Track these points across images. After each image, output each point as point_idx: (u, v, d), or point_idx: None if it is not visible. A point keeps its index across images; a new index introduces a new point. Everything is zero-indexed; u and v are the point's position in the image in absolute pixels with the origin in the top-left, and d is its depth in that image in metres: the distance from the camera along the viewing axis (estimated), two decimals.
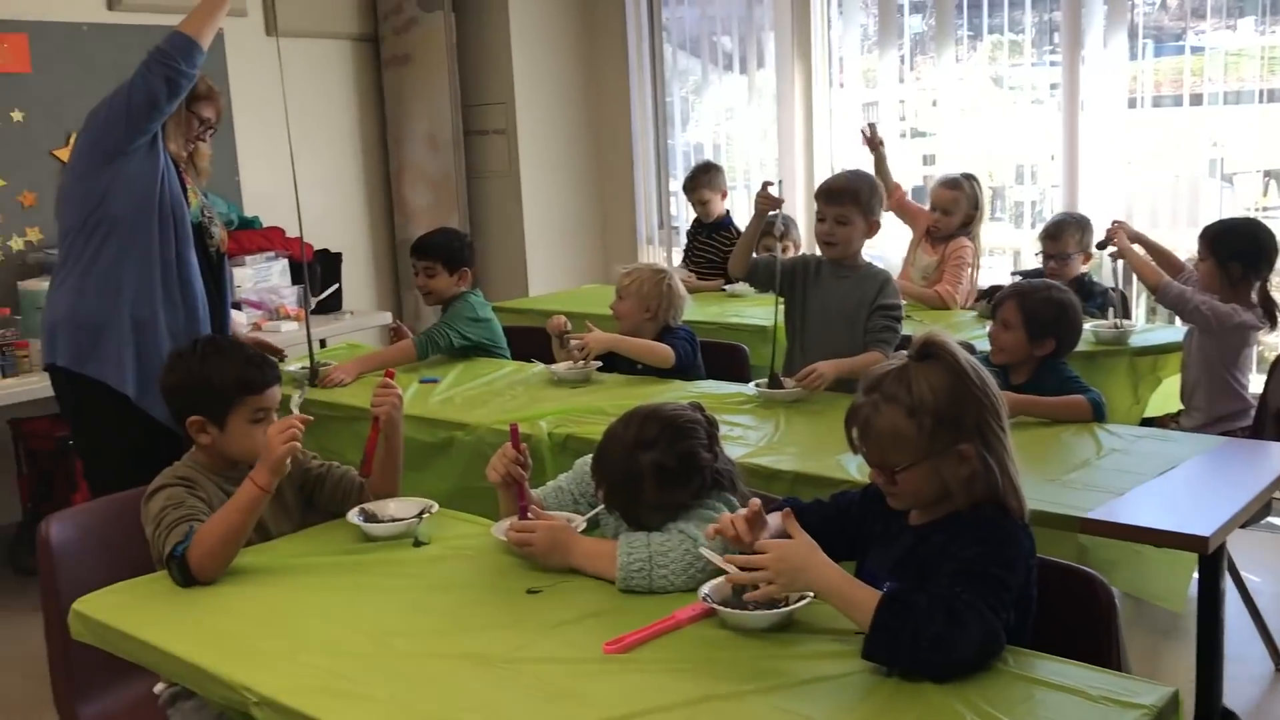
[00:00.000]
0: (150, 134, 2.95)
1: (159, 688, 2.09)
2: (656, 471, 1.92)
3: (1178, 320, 3.61)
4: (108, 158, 2.91)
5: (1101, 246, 3.73)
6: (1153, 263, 3.56)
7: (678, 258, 5.41)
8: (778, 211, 3.23)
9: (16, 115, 4.47)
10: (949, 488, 1.69)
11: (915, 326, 3.81)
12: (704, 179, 5.11)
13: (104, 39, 4.61)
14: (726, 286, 4.84)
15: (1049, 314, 2.83)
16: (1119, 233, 3.59)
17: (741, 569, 1.69)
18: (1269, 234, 3.38)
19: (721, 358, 3.68)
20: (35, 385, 3.77)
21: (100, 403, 2.97)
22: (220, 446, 2.18)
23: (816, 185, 3.36)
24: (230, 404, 2.15)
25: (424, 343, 3.70)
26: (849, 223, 3.15)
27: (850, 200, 3.14)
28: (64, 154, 4.56)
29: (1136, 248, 3.65)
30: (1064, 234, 3.96)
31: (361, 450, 2.30)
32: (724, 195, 5.18)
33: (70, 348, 2.96)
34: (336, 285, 5.03)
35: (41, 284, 4.11)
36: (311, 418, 2.17)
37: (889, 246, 5.02)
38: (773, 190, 3.19)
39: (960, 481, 1.68)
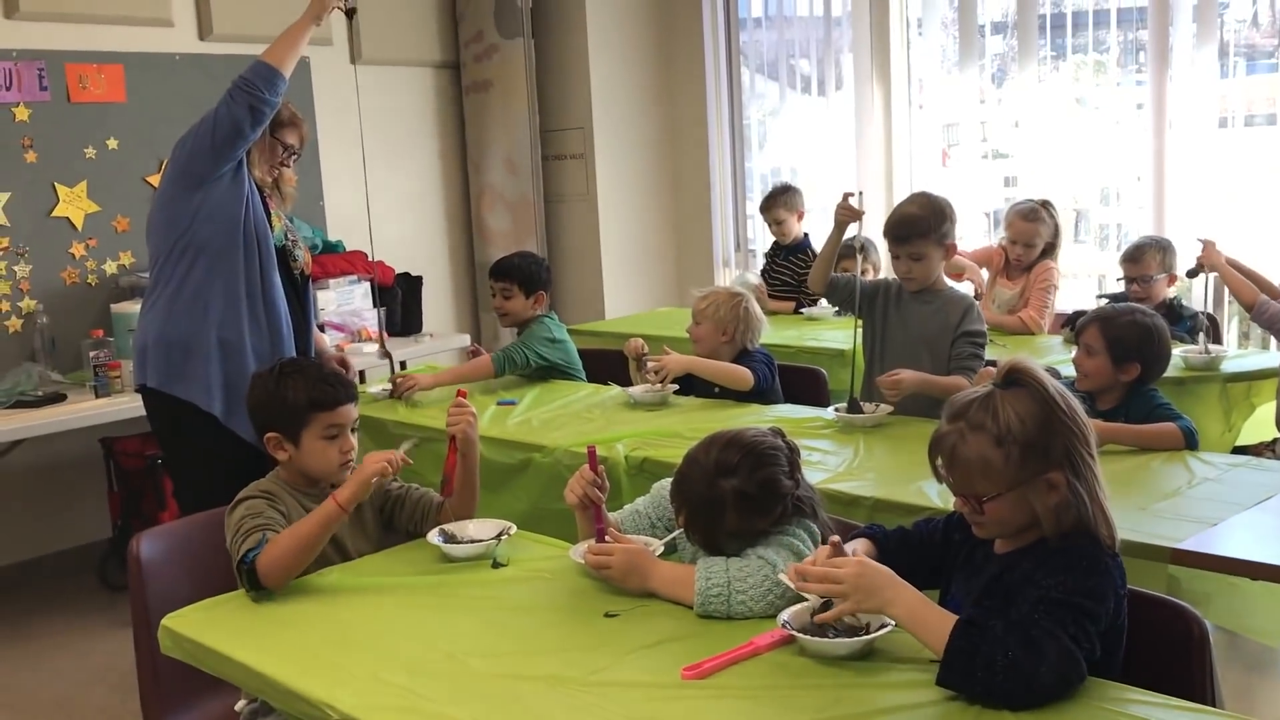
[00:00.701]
0: (235, 161, 3.03)
1: (240, 704, 2.13)
2: (738, 498, 1.91)
3: (1273, 345, 3.51)
4: (195, 184, 3.00)
5: (1192, 275, 3.63)
6: (1247, 282, 3.45)
7: (755, 281, 5.39)
8: (859, 225, 3.20)
9: (111, 143, 4.61)
10: (1037, 516, 1.65)
11: (999, 352, 3.75)
12: (781, 199, 5.10)
13: (195, 68, 4.75)
14: (802, 310, 4.81)
15: (1133, 338, 2.76)
16: (1210, 249, 3.49)
17: (820, 581, 1.67)
18: None
19: (799, 381, 3.65)
20: (126, 405, 3.87)
21: (189, 422, 3.04)
22: (297, 462, 2.24)
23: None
24: (303, 421, 2.21)
25: (501, 360, 3.74)
26: (923, 257, 3.11)
27: (919, 236, 3.10)
28: (154, 180, 4.69)
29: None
30: (1144, 256, 3.86)
31: (440, 472, 2.33)
32: (800, 217, 5.16)
33: (159, 369, 3.04)
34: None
35: (133, 307, 4.23)
36: (411, 461, 2.22)
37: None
38: (854, 201, 3.16)
39: (1049, 510, 1.64)
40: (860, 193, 3.19)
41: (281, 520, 2.13)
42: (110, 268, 4.65)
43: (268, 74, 2.96)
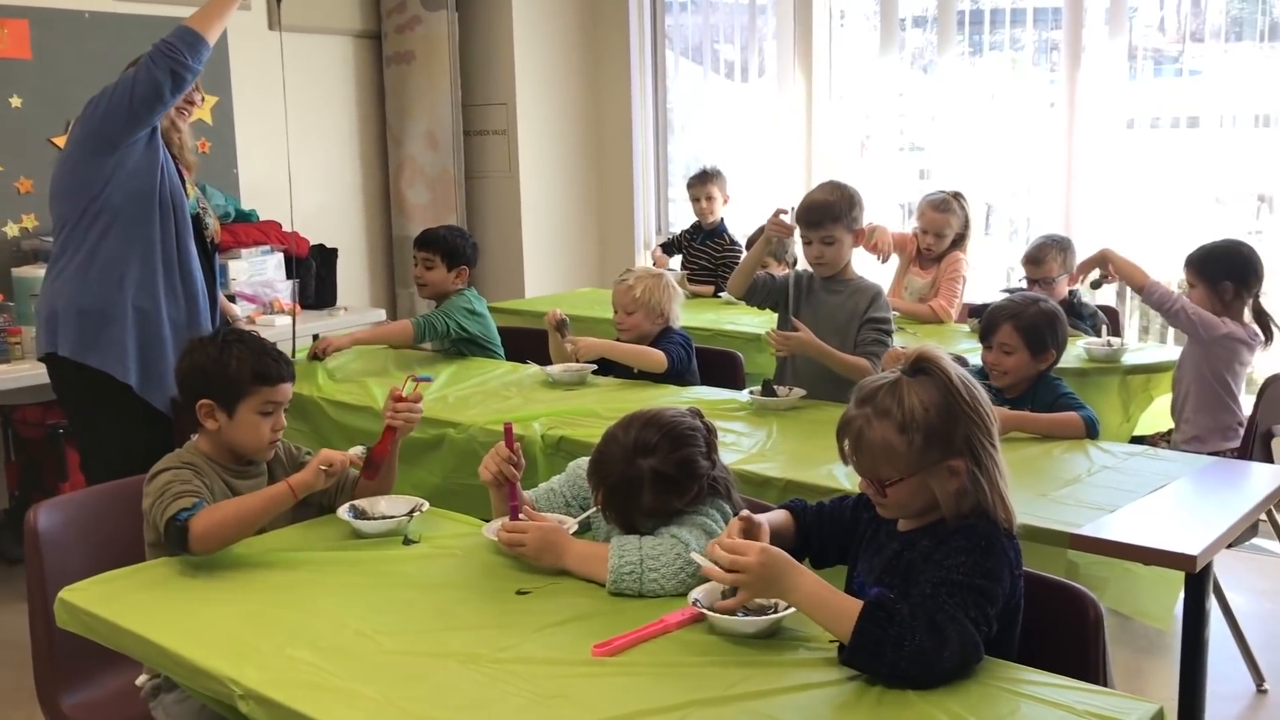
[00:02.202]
0: (151, 126, 2.95)
1: (142, 679, 2.09)
2: (655, 478, 1.92)
3: (1170, 338, 3.63)
4: (108, 149, 2.91)
5: (1095, 286, 3.75)
6: (1138, 265, 3.53)
7: (676, 264, 5.42)
8: (789, 241, 3.26)
9: (15, 101, 4.45)
10: (937, 500, 1.70)
11: (908, 339, 3.83)
12: (715, 179, 5.17)
13: (105, 27, 4.60)
14: (721, 294, 4.85)
15: (1046, 326, 2.84)
16: (1106, 255, 3.57)
17: (726, 569, 1.68)
18: (1251, 250, 3.41)
19: (716, 364, 3.69)
20: (26, 373, 3.75)
21: (101, 392, 2.98)
22: (226, 434, 2.20)
23: None
24: (243, 392, 2.18)
25: (422, 325, 3.72)
26: (835, 242, 3.17)
27: (831, 220, 3.16)
28: (61, 141, 4.54)
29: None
30: (1046, 257, 3.95)
31: (364, 449, 2.30)
32: (725, 200, 5.21)
33: (71, 337, 2.96)
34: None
35: (35, 271, 4.10)
36: (357, 472, 2.25)
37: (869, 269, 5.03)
38: (785, 218, 3.22)
39: (948, 495, 1.69)
40: (791, 209, 3.25)
41: (207, 493, 2.10)
42: (11, 230, 4.49)
43: (192, 40, 2.90)
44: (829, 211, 3.15)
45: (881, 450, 1.69)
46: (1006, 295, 3.56)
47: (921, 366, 1.71)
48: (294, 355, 3.59)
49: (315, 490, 2.12)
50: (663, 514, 1.94)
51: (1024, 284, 4.06)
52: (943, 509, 1.70)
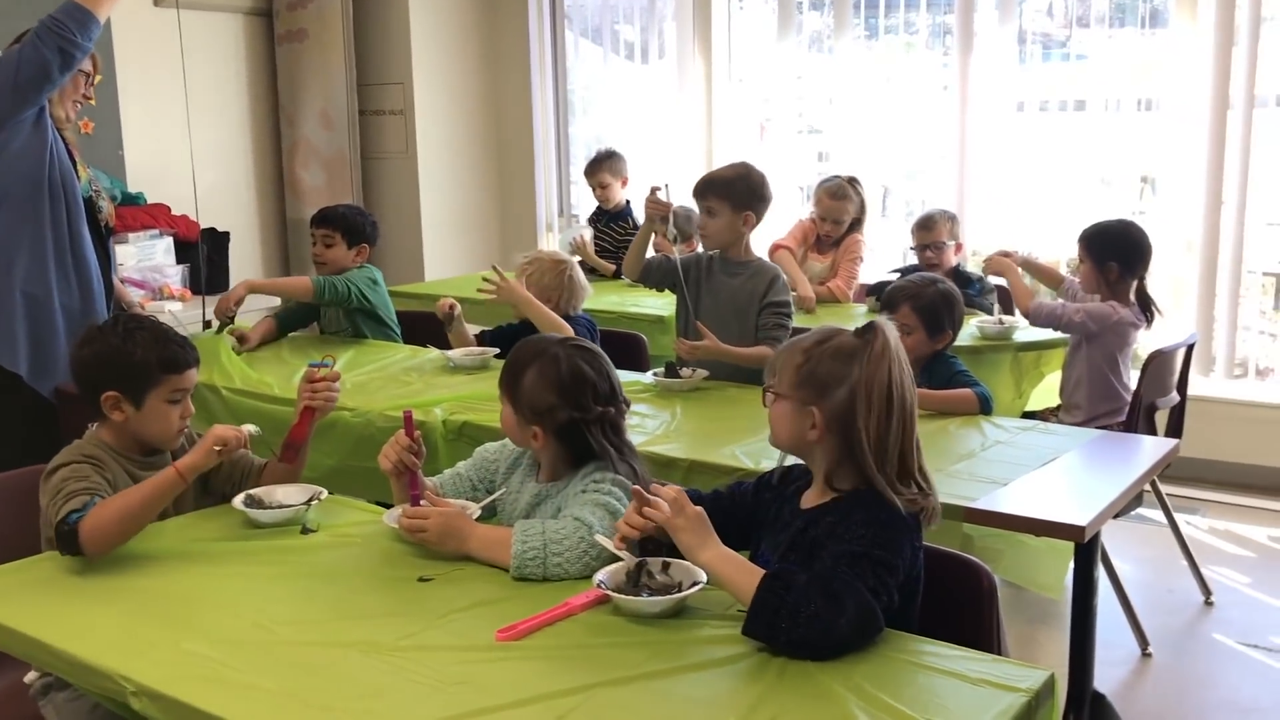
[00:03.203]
0: (38, 105, 2.84)
1: (31, 676, 2.01)
2: (551, 365, 2.01)
3: None
4: None
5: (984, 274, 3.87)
6: (1026, 285, 3.65)
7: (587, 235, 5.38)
8: (670, 217, 3.26)
9: None
10: (801, 444, 1.77)
11: (808, 320, 3.88)
12: (606, 164, 5.12)
13: None
14: (624, 275, 4.84)
15: (943, 308, 2.91)
16: (1002, 264, 3.69)
17: (644, 512, 1.74)
18: (1141, 233, 3.51)
19: (620, 346, 3.68)
20: None
21: None
22: (133, 425, 2.11)
23: None
24: (151, 381, 2.10)
25: (322, 284, 3.66)
26: (716, 214, 3.18)
27: (713, 193, 3.18)
28: None
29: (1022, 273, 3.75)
30: (935, 224, 4.11)
31: (256, 427, 2.23)
32: (624, 183, 5.19)
33: None
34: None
35: None
36: (248, 450, 2.18)
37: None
38: (661, 195, 3.22)
39: (806, 444, 1.75)
40: (666, 185, 3.27)
41: (107, 487, 2.02)
42: None
43: (81, 17, 2.79)
44: (712, 184, 3.19)
45: (783, 360, 1.78)
46: (899, 274, 3.65)
47: (868, 328, 1.75)
48: (220, 330, 3.58)
49: (205, 470, 2.04)
50: (541, 412, 1.99)
51: (913, 255, 4.16)
52: (811, 461, 1.78)
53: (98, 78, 3.14)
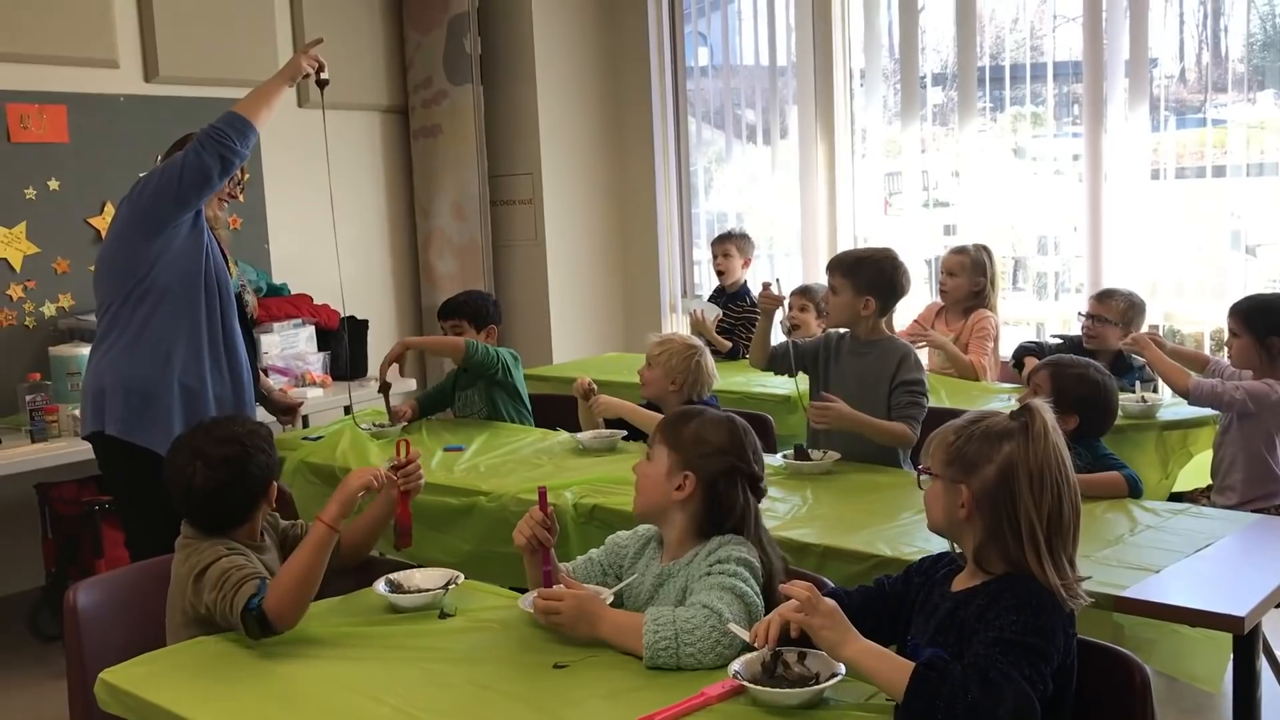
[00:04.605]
0: (197, 209, 3.01)
1: None
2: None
3: None
4: (154, 231, 2.96)
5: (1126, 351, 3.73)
6: (1178, 365, 3.47)
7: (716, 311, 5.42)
8: (783, 309, 3.30)
9: (53, 184, 4.55)
10: (953, 523, 1.75)
11: (937, 401, 3.79)
12: (733, 239, 5.22)
13: (140, 110, 4.71)
14: (751, 365, 4.85)
15: (1078, 391, 2.81)
16: (1143, 340, 3.52)
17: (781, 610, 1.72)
18: None
19: None
20: (63, 450, 3.79)
21: (148, 471, 2.99)
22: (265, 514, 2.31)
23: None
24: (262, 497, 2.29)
25: (475, 346, 3.76)
26: (837, 292, 3.20)
27: (839, 271, 3.21)
28: (98, 222, 4.63)
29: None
30: (1111, 300, 3.93)
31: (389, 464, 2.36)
32: (746, 264, 5.22)
33: (119, 415, 2.98)
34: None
35: (73, 350, 4.15)
36: (387, 480, 2.30)
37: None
38: (773, 289, 3.25)
39: (957, 523, 1.73)
40: (778, 280, 3.34)
41: (263, 569, 2.12)
42: (49, 310, 4.56)
43: (241, 126, 2.96)
44: (841, 262, 3.24)
45: (937, 440, 1.77)
46: (1060, 340, 3.55)
47: (1023, 412, 1.73)
48: (388, 410, 3.87)
49: (348, 515, 2.16)
50: (703, 454, 2.04)
51: (1078, 323, 4.00)
52: (961, 543, 1.75)
53: (246, 177, 3.31)
